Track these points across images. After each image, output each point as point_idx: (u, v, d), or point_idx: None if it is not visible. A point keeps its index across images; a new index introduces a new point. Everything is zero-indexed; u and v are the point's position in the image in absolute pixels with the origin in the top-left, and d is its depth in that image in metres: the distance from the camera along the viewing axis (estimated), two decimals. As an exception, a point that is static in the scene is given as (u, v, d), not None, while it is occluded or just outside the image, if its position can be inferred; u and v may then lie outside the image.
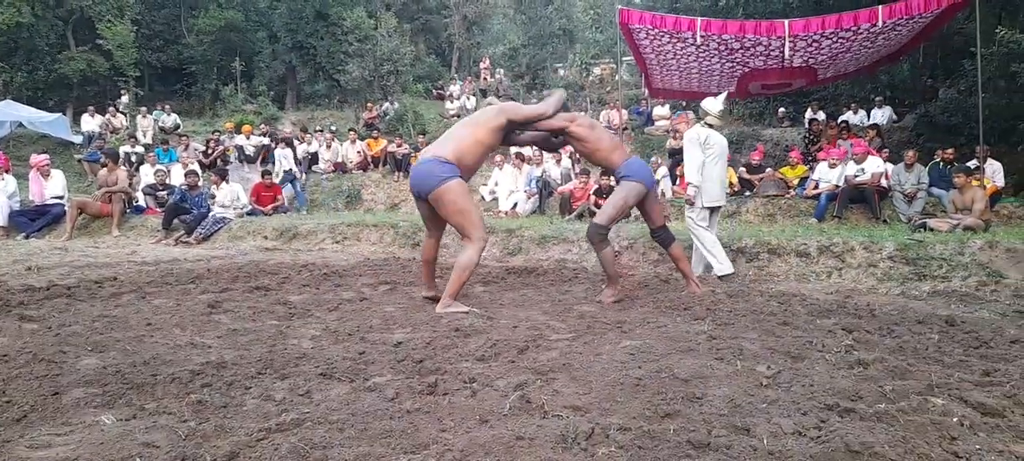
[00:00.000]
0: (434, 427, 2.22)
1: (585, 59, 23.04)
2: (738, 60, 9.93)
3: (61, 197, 10.04)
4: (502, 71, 24.11)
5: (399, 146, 13.47)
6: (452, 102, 19.42)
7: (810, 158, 11.57)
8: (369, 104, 17.94)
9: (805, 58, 9.68)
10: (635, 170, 4.76)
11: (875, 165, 9.50)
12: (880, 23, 8.52)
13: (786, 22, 8.94)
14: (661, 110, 16.06)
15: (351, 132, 14.57)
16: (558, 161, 12.10)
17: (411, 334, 3.57)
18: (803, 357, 3.08)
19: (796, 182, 10.57)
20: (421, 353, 3.11)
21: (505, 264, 6.70)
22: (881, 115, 13.81)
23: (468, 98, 19.33)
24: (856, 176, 9.41)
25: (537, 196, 11.06)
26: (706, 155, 5.85)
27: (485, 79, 23.50)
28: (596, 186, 10.04)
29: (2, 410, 2.36)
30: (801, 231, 7.34)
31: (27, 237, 9.23)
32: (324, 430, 2.17)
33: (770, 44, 9.25)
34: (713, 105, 5.93)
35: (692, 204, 5.90)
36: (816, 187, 9.83)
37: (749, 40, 9.20)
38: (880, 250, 6.00)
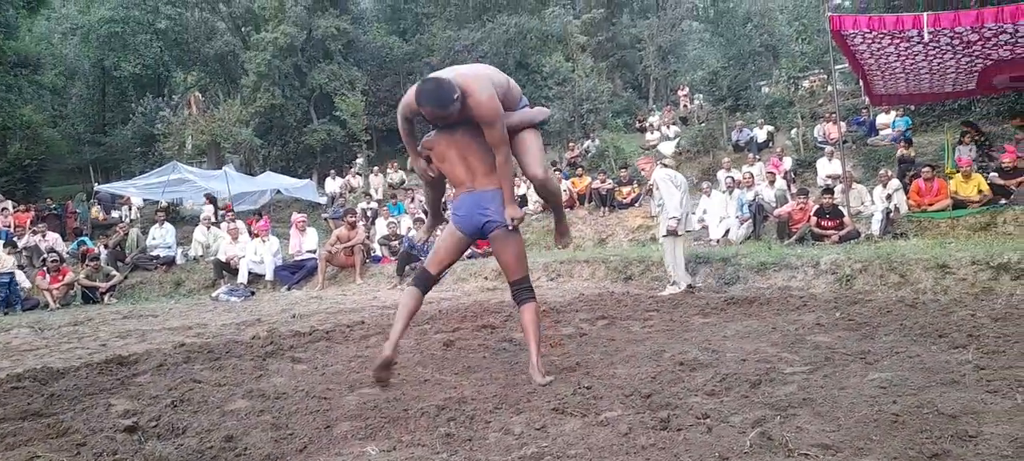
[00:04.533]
0: (672, 463, 2.20)
1: (792, 73, 21.69)
2: (977, 53, 8.76)
3: (314, 251, 11.45)
4: (701, 96, 23.46)
5: (602, 182, 13.63)
6: (652, 133, 19.26)
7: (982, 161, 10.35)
8: (571, 143, 18.37)
9: (1066, 42, 8.30)
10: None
11: None
12: None
13: (1037, 3, 7.71)
14: (886, 118, 14.59)
15: (556, 172, 15.00)
16: (772, 182, 11.47)
17: (635, 368, 3.57)
18: (1105, 390, 2.62)
19: (1068, 185, 9.02)
20: (648, 387, 3.10)
21: (723, 294, 6.45)
22: None
23: (668, 127, 19.07)
24: None
25: (751, 221, 10.54)
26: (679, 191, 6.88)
27: (685, 106, 23.04)
28: (817, 207, 9.36)
29: (287, 441, 2.73)
30: (1082, 241, 6.25)
31: (289, 288, 10.62)
32: (564, 464, 2.25)
33: (1017, 31, 8.01)
34: (667, 148, 6.88)
35: (675, 234, 6.81)
36: (1096, 189, 8.32)
37: (989, 29, 8.06)
38: None
